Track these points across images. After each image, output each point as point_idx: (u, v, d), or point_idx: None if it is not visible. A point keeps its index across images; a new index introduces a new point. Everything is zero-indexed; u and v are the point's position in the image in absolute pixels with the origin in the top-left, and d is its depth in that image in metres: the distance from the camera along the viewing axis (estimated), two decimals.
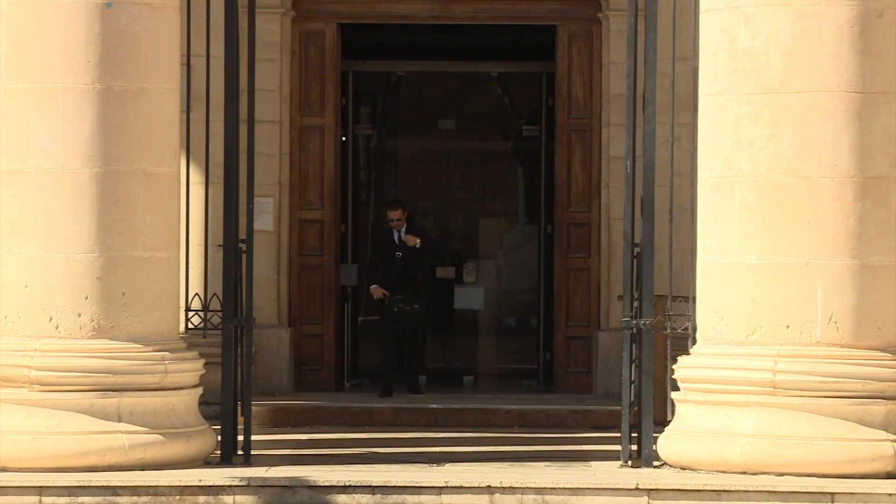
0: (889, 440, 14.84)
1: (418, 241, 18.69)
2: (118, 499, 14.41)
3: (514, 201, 22.70)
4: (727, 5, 15.11)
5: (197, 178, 16.79)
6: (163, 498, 14.49)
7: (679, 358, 15.47)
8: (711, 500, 14.53)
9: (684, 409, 15.28)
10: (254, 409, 16.25)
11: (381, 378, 18.78)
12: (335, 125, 20.27)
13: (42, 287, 14.99)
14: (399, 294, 18.62)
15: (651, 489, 14.72)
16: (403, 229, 18.78)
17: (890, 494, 14.43)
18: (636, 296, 15.86)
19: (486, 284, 21.96)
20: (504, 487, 14.80)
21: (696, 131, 15.46)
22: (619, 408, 15.91)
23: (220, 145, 16.13)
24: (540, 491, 14.80)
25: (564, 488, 14.87)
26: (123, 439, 14.93)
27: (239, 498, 14.59)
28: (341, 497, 14.63)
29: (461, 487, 14.66)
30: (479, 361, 21.87)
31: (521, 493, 14.77)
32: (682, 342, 15.63)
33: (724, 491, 14.50)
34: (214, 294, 16.24)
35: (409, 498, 14.66)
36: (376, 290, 18.77)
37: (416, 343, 18.24)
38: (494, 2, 19.97)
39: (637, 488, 14.77)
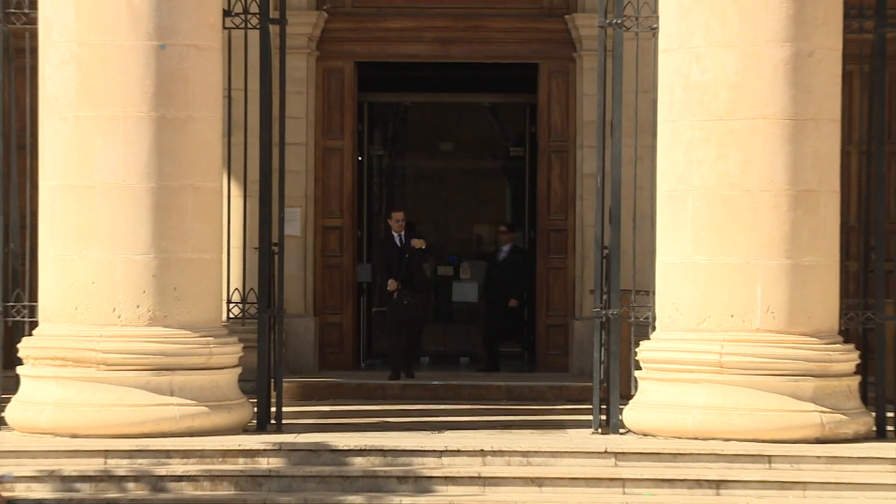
0: (817, 411, 14.82)
1: (423, 243, 18.54)
2: (170, 461, 14.39)
3: (503, 211, 22.65)
4: (681, 46, 15.07)
5: (236, 191, 16.72)
6: (208, 460, 14.47)
7: (641, 342, 15.47)
8: (668, 461, 14.50)
9: (646, 385, 15.26)
10: (284, 385, 16.22)
11: (392, 365, 18.58)
12: (352, 147, 20.24)
13: (106, 283, 14.94)
14: (404, 290, 18.43)
15: (618, 452, 14.72)
16: (403, 232, 18.63)
17: (818, 457, 14.47)
18: (605, 290, 15.82)
19: (479, 280, 21.88)
20: (494, 451, 14.78)
21: (656, 152, 15.43)
22: (591, 384, 15.90)
23: (255, 164, 16.09)
24: (525, 454, 14.78)
25: (545, 452, 14.86)
26: (175, 410, 14.91)
27: (272, 460, 14.58)
28: (358, 459, 14.61)
29: (458, 451, 14.61)
30: (474, 345, 21.79)
31: (509, 456, 14.75)
32: (644, 329, 15.60)
33: (679, 454, 14.47)
34: (251, 289, 16.18)
35: (414, 460, 14.62)
36: (392, 284, 18.60)
37: (414, 331, 18.13)
38: (486, 44, 19.96)
39: (606, 451, 14.77)
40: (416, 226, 19.22)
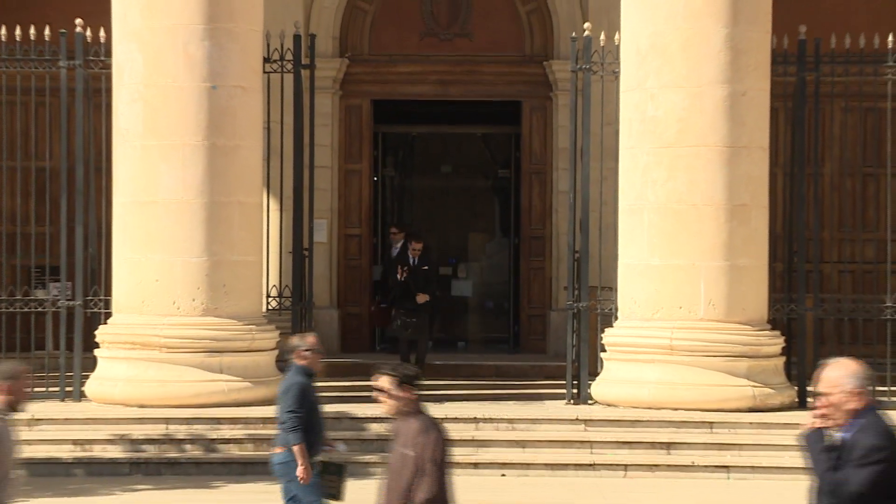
0: (750, 386, 14.86)
1: (427, 297, 17.49)
2: (220, 426, 14.46)
3: (493, 222, 22.61)
4: (639, 87, 15.09)
5: (274, 205, 16.76)
6: (251, 426, 14.51)
7: (606, 329, 15.48)
8: (628, 427, 14.54)
9: (609, 364, 15.29)
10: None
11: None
12: (369, 170, 20.23)
13: (168, 281, 14.98)
14: (402, 309, 17.42)
15: (587, 420, 14.81)
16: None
17: (750, 423, 14.54)
18: (576, 287, 15.85)
19: (474, 279, 21.88)
20: (485, 419, 14.86)
21: (618, 174, 15.45)
22: (564, 364, 15.90)
23: (289, 183, 16.14)
24: (510, 421, 14.85)
25: (527, 419, 14.93)
26: (224, 385, 14.94)
27: None
28: (373, 425, 14.66)
29: (456, 418, 14.63)
30: (469, 332, 21.79)
31: (497, 423, 14.83)
32: (608, 319, 15.60)
33: (637, 421, 14.51)
34: (286, 286, 16.23)
35: None
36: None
37: (419, 348, 17.53)
38: (479, 85, 19.95)
39: (577, 419, 14.86)
40: (431, 249, 18.62)
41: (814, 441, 6.65)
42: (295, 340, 10.72)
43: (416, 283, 17.42)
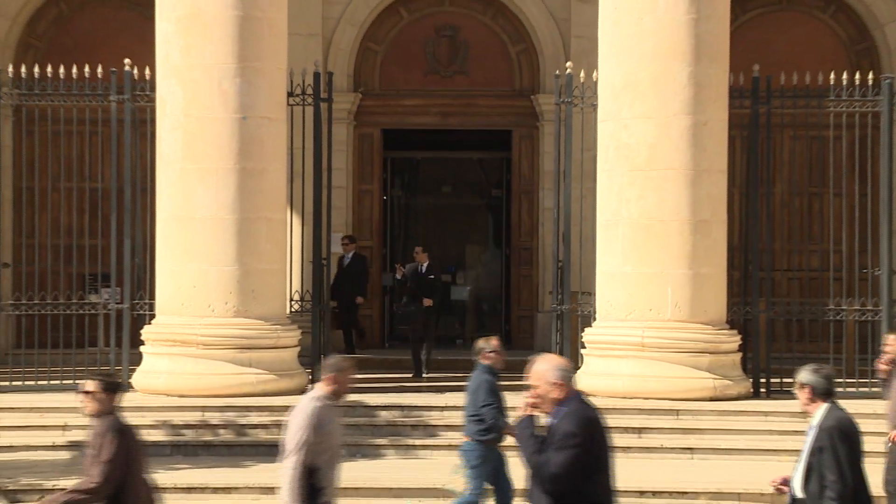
0: (711, 378, 14.85)
1: (432, 302, 17.39)
2: (249, 413, 14.45)
3: (487, 235, 22.63)
4: (614, 118, 15.10)
5: (296, 221, 16.77)
6: (276, 413, 14.39)
7: (585, 329, 15.48)
8: (604, 413, 14.43)
9: (588, 359, 15.28)
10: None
11: (414, 365, 17.49)
12: (379, 190, 20.27)
13: (203, 286, 14.97)
14: (409, 311, 17.47)
15: None
16: (426, 263, 17.90)
17: (711, 410, 14.52)
18: (560, 292, 15.87)
19: (471, 284, 21.91)
20: None
21: (596, 193, 15.45)
22: None
23: (310, 201, 16.14)
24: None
25: (517, 407, 14.84)
26: (252, 378, 14.93)
27: None
28: (383, 412, 14.63)
29: (455, 406, 14.53)
30: (466, 330, 21.79)
31: None
32: (587, 319, 15.61)
33: (613, 408, 14.36)
34: (307, 290, 16.22)
35: (423, 413, 14.66)
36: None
37: (427, 346, 17.48)
38: (475, 116, 19.99)
39: None
40: (436, 261, 18.48)
41: (524, 427, 6.63)
42: (481, 343, 10.98)
43: (422, 290, 17.44)
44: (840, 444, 7.38)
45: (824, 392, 7.59)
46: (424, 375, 17.05)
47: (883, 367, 11.35)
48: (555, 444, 6.41)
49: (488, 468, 10.77)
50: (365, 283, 18.78)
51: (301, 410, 8.11)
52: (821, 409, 7.58)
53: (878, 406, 14.72)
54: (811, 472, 7.44)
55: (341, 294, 18.11)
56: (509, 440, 10.20)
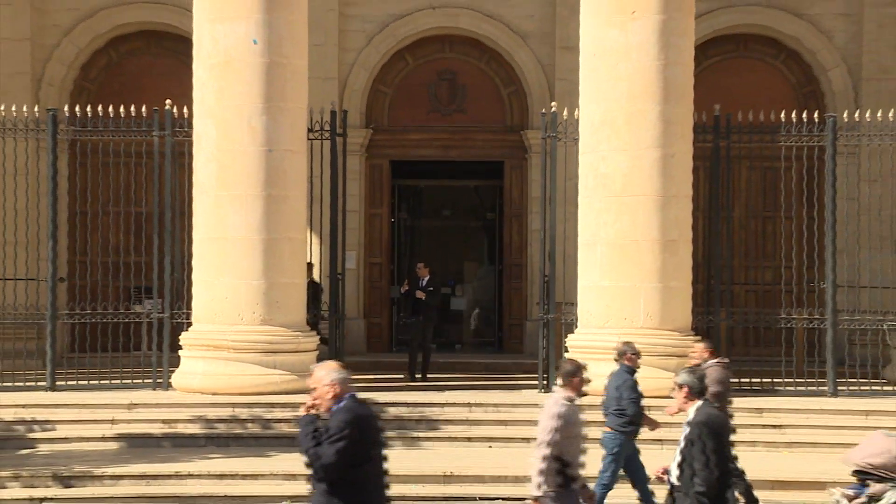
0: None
1: (424, 295, 17.11)
2: (274, 409, 14.37)
3: (482, 253, 22.61)
4: (593, 150, 15.10)
5: (315, 240, 16.79)
6: (298, 409, 14.37)
7: (568, 335, 15.41)
8: (584, 407, 14.38)
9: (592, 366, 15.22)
10: (345, 362, 16.16)
11: (409, 369, 17.18)
12: (388, 213, 20.26)
13: (234, 298, 14.93)
14: (404, 313, 17.39)
15: None
16: (427, 276, 17.81)
17: None
18: (546, 303, 15.80)
19: (468, 296, 21.89)
20: (477, 403, 14.79)
21: (578, 217, 15.44)
22: (537, 361, 15.86)
23: (327, 223, 16.14)
24: (496, 405, 14.79)
25: (508, 404, 14.86)
26: (277, 378, 14.88)
27: None
28: (391, 408, 14.56)
29: (454, 403, 14.62)
30: (463, 336, 21.78)
31: (485, 406, 14.75)
32: (570, 327, 15.56)
33: (592, 404, 14.12)
34: (325, 301, 16.20)
35: (425, 409, 14.60)
36: (420, 293, 17.13)
37: (425, 351, 17.39)
38: (472, 149, 20.00)
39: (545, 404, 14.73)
40: (436, 274, 18.34)
41: (304, 424, 6.61)
42: (622, 346, 11.10)
43: (420, 303, 17.37)
44: (707, 437, 7.50)
45: (698, 391, 7.76)
46: (417, 376, 16.93)
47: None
48: (328, 437, 6.42)
49: (625, 456, 10.79)
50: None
51: (549, 409, 8.22)
52: (694, 407, 7.72)
53: (826, 402, 14.72)
54: (685, 462, 7.59)
55: None
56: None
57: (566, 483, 8.11)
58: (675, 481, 7.66)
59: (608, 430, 10.89)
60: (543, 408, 8.34)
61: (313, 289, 16.76)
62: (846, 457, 9.50)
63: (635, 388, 10.88)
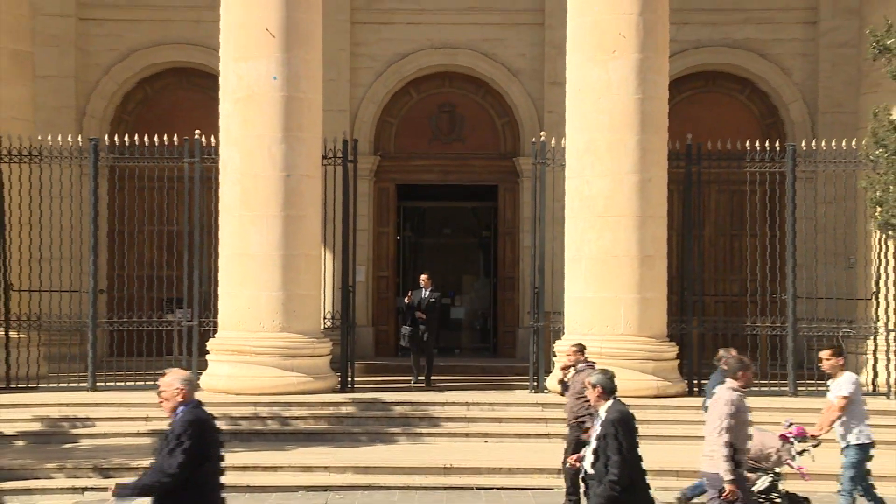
0: (655, 380, 14.81)
1: (424, 316, 16.76)
2: (291, 408, 14.37)
3: (479, 267, 22.58)
4: (578, 175, 15.11)
5: (329, 256, 16.77)
6: (313, 408, 14.44)
7: (556, 341, 15.36)
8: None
9: (559, 365, 15.10)
10: (355, 365, 16.16)
11: (412, 374, 16.85)
12: (394, 231, 20.25)
13: (255, 307, 14.91)
14: (410, 325, 16.88)
15: (543, 403, 14.71)
16: (429, 288, 17.76)
17: (655, 405, 14.41)
18: (536, 312, 15.78)
19: (466, 306, 21.84)
20: (474, 402, 14.77)
21: (564, 235, 15.43)
22: (528, 365, 15.83)
23: (339, 241, 16.11)
24: (491, 404, 14.76)
25: (502, 403, 14.84)
26: (294, 380, 14.85)
27: (348, 408, 14.54)
28: (397, 407, 14.55)
29: (453, 402, 14.59)
30: (462, 342, 21.74)
31: (482, 405, 14.72)
32: (558, 334, 15.52)
33: None
34: (337, 311, 16.18)
35: (428, 407, 14.58)
36: (418, 315, 17.02)
37: (428, 355, 17.27)
38: (469, 174, 20.00)
39: (536, 403, 14.77)
40: (437, 286, 18.23)
41: (160, 435, 6.49)
42: (720, 353, 10.98)
43: (423, 309, 17.32)
44: (621, 431, 7.61)
45: (610, 390, 7.88)
46: (421, 378, 16.82)
47: (562, 370, 11.45)
48: (173, 440, 6.31)
49: None
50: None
51: (722, 400, 8.13)
52: (607, 404, 7.82)
53: (786, 401, 14.68)
54: (599, 454, 7.67)
55: None
56: None
57: (735, 466, 8.09)
58: (590, 470, 7.78)
59: None
60: (713, 400, 8.23)
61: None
62: None
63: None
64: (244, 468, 12.38)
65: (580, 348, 11.32)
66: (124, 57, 19.52)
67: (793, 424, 9.52)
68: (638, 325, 14.77)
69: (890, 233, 11.02)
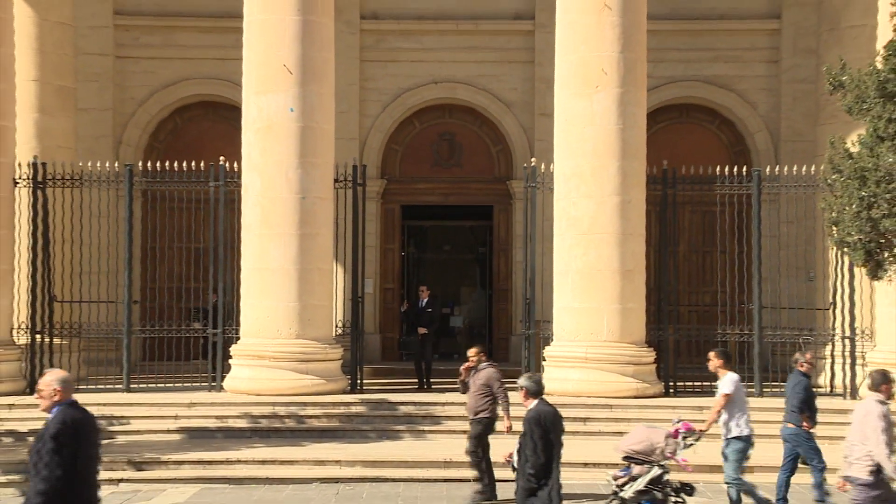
0: (635, 382, 14.73)
1: (426, 331, 16.68)
2: (306, 407, 14.32)
3: (476, 280, 22.52)
4: (565, 197, 15.09)
5: (340, 270, 16.74)
6: (326, 407, 14.35)
7: (546, 347, 15.33)
8: (559, 407, 14.24)
9: (549, 369, 15.10)
10: (364, 369, 16.08)
11: (417, 378, 16.78)
12: (399, 248, 20.20)
13: (273, 316, 14.86)
14: (412, 331, 16.93)
15: None
16: (427, 298, 17.68)
17: (635, 405, 14.36)
18: (528, 321, 15.74)
19: (464, 315, 21.78)
20: None
21: (554, 251, 15.39)
22: (520, 369, 15.70)
23: (349, 256, 16.06)
24: None
25: None
26: (309, 382, 14.80)
27: (358, 407, 14.47)
28: (402, 407, 14.51)
29: (453, 403, 14.46)
30: (460, 348, 21.57)
31: None
32: (547, 340, 15.47)
33: (565, 403, 14.06)
34: (348, 319, 16.12)
35: (430, 408, 14.53)
36: (421, 330, 16.84)
37: (427, 361, 17.17)
38: (467, 196, 19.98)
39: None
40: (438, 297, 18.17)
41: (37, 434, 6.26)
42: (797, 356, 10.73)
43: (420, 320, 17.16)
44: (536, 429, 7.73)
45: (535, 392, 8.00)
46: (425, 382, 16.73)
47: (464, 371, 11.39)
48: (47, 438, 6.12)
49: (813, 445, 10.38)
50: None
51: (872, 411, 7.78)
52: (532, 405, 7.94)
53: (753, 402, 14.62)
54: (521, 449, 7.85)
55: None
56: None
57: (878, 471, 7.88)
58: (517, 465, 7.93)
59: (790, 425, 10.46)
60: (864, 412, 7.81)
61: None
62: (617, 445, 9.47)
63: (806, 388, 10.43)
64: (263, 462, 12.34)
65: (482, 349, 11.28)
66: (157, 91, 19.54)
67: (681, 421, 9.48)
68: (619, 333, 14.73)
69: (845, 249, 10.99)
